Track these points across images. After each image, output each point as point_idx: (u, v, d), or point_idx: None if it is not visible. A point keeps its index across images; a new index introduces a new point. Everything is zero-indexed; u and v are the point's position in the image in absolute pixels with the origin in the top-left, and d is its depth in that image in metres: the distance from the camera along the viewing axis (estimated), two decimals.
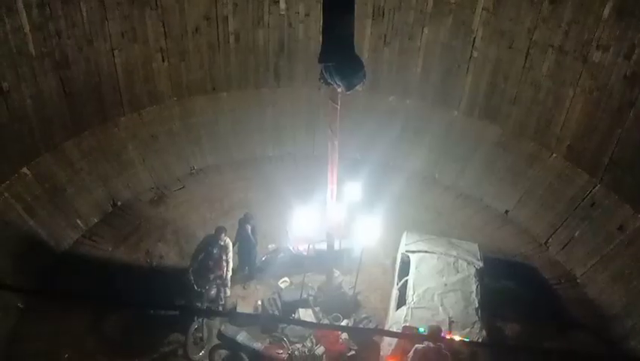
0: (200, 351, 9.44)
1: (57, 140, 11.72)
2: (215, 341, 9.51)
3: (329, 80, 7.80)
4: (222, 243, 9.77)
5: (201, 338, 9.46)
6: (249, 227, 10.62)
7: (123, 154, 12.86)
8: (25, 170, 11.05)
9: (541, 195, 12.48)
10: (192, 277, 9.41)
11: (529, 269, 11.65)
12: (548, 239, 12.11)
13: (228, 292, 9.95)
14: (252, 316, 10.35)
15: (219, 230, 9.86)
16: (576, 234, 11.72)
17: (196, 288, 9.38)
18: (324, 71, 7.80)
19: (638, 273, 10.24)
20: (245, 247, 10.74)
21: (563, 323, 10.51)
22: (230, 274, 9.91)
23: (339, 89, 7.92)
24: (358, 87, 7.84)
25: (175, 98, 13.58)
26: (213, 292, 9.64)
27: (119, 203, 12.54)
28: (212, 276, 9.54)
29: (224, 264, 9.75)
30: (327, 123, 8.77)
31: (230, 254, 9.90)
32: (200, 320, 9.38)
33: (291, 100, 14.38)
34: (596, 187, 11.64)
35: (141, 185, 13.04)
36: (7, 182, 10.69)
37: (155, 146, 13.32)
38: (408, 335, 8.28)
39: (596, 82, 11.31)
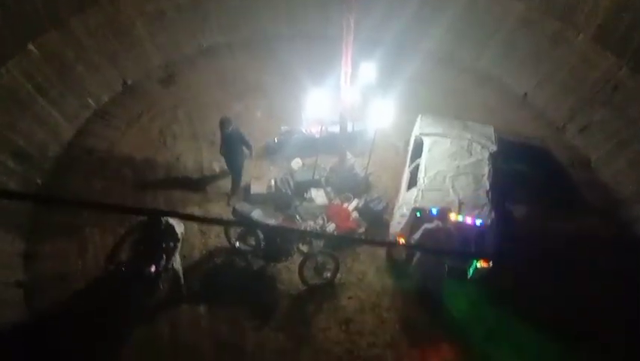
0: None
1: (63, 15, 11.27)
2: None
3: None
4: (163, 227, 8.28)
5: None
6: (226, 132, 9.85)
7: (131, 31, 12.45)
8: (31, 47, 10.76)
9: (562, 77, 12.05)
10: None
11: (543, 153, 11.57)
12: (565, 123, 11.89)
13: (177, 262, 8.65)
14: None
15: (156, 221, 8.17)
16: (595, 118, 11.47)
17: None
18: None
19: None
20: (230, 151, 10.10)
21: (572, 206, 10.61)
22: (176, 259, 8.55)
23: None
24: None
25: None
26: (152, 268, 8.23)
27: (129, 82, 12.39)
28: (153, 267, 8.16)
29: (171, 251, 8.35)
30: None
31: (178, 243, 8.44)
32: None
33: None
34: (622, 70, 11.16)
35: (151, 63, 12.78)
36: (15, 58, 10.45)
37: (164, 22, 12.84)
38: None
39: None
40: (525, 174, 10.98)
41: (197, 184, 10.55)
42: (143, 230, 8.21)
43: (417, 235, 8.34)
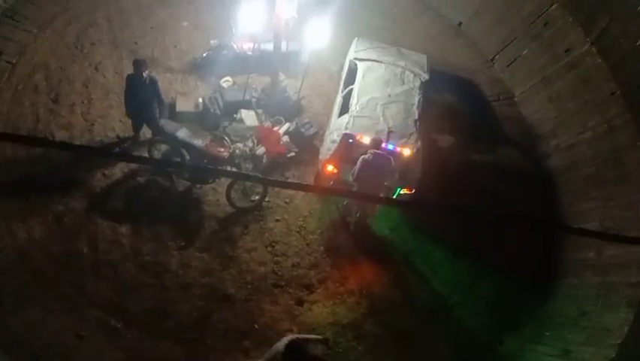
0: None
1: None
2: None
3: None
4: None
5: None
6: (137, 77, 8.62)
7: None
8: None
9: (498, 8, 12.07)
10: None
11: (471, 84, 11.76)
12: (496, 56, 12.06)
13: None
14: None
15: None
16: (524, 52, 11.68)
17: None
18: None
19: (573, 96, 10.55)
20: (139, 101, 8.79)
21: (494, 138, 11.00)
22: None
23: None
24: None
25: None
26: None
27: None
28: None
29: None
30: None
31: None
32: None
33: None
34: (553, 6, 11.29)
35: None
36: None
37: None
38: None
39: None
40: (452, 105, 11.19)
41: (118, 97, 9.90)
42: None
43: (356, 168, 8.39)
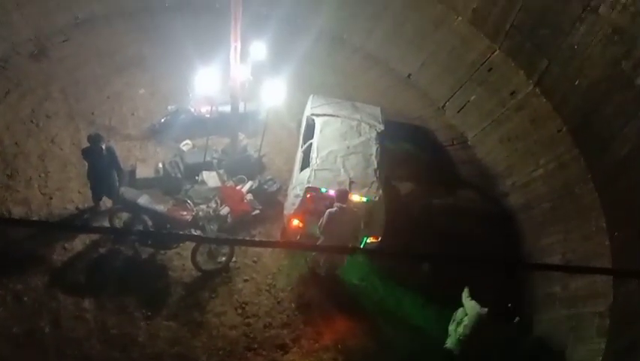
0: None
1: None
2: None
3: None
4: None
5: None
6: (95, 152, 8.67)
7: None
8: None
9: (443, 59, 12.66)
10: None
11: (426, 132, 12.14)
12: (446, 103, 12.55)
13: None
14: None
15: None
16: (472, 98, 12.20)
17: None
18: None
19: (523, 136, 11.03)
20: (99, 173, 8.86)
21: (452, 181, 11.29)
22: None
23: None
24: None
25: None
26: None
27: None
28: None
29: None
30: None
31: None
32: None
33: None
34: (495, 52, 11.95)
35: (18, 36, 11.61)
36: None
37: None
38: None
39: None
40: (409, 153, 11.49)
41: (76, 168, 9.79)
42: None
43: (323, 221, 8.42)
